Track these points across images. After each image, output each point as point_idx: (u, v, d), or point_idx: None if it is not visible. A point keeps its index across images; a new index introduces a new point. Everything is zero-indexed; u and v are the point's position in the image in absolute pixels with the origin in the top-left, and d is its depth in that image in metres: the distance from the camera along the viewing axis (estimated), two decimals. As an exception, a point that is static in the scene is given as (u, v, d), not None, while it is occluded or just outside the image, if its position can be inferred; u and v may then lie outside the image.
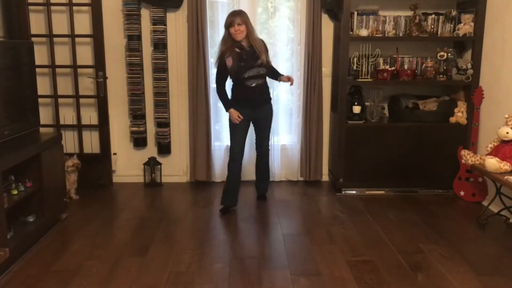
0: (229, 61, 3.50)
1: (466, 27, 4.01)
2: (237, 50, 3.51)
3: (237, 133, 3.69)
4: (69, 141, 4.31)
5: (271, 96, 3.88)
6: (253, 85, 3.57)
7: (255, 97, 3.63)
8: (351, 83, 4.13)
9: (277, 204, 3.97)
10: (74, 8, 4.12)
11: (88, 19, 4.20)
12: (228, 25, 3.45)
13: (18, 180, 3.05)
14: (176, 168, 4.59)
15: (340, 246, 3.12)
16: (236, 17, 3.43)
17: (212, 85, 4.39)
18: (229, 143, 4.50)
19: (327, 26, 4.34)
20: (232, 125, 3.69)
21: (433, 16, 4.15)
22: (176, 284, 2.61)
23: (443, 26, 4.16)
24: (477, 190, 3.96)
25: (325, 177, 4.62)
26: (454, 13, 4.13)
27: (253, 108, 3.65)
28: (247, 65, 3.51)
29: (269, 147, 3.95)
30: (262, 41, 3.66)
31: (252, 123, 3.78)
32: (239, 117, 3.60)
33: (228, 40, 3.51)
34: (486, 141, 3.73)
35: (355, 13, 4.12)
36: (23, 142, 3.10)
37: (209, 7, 4.23)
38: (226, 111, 3.68)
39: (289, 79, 3.68)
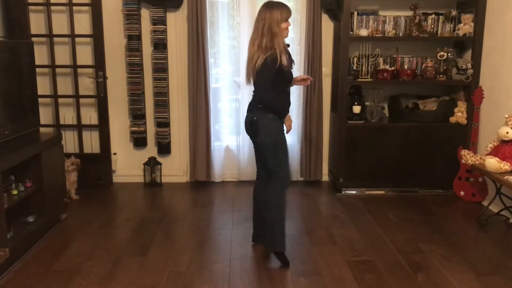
0: (284, 60, 2.81)
1: (466, 27, 4.01)
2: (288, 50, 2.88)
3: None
4: (69, 141, 4.31)
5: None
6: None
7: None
8: (351, 83, 4.13)
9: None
10: (74, 8, 4.12)
11: (88, 19, 4.20)
12: (287, 17, 2.75)
13: (18, 180, 3.05)
14: (176, 168, 4.59)
15: (340, 246, 3.12)
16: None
17: (212, 85, 4.39)
18: (229, 143, 4.49)
19: (327, 26, 4.34)
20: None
21: (433, 16, 4.15)
22: (176, 284, 2.61)
23: (443, 26, 4.16)
24: (477, 190, 3.96)
25: (325, 177, 4.62)
26: (454, 13, 4.13)
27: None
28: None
29: (272, 186, 2.83)
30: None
31: None
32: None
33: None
34: (486, 141, 3.73)
35: (355, 13, 4.12)
36: (23, 142, 3.09)
37: (209, 7, 4.23)
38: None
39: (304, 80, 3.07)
